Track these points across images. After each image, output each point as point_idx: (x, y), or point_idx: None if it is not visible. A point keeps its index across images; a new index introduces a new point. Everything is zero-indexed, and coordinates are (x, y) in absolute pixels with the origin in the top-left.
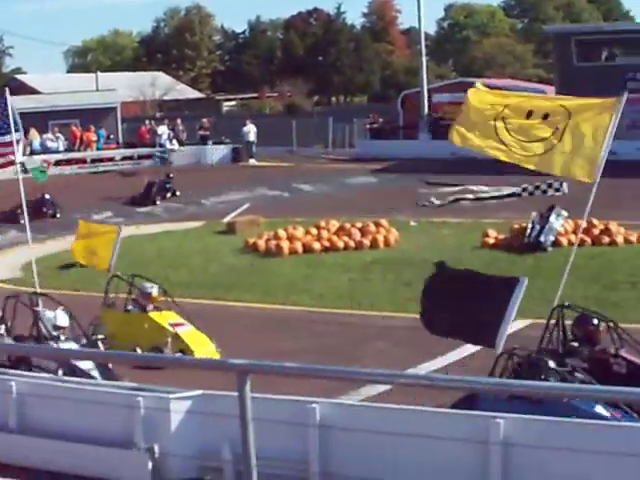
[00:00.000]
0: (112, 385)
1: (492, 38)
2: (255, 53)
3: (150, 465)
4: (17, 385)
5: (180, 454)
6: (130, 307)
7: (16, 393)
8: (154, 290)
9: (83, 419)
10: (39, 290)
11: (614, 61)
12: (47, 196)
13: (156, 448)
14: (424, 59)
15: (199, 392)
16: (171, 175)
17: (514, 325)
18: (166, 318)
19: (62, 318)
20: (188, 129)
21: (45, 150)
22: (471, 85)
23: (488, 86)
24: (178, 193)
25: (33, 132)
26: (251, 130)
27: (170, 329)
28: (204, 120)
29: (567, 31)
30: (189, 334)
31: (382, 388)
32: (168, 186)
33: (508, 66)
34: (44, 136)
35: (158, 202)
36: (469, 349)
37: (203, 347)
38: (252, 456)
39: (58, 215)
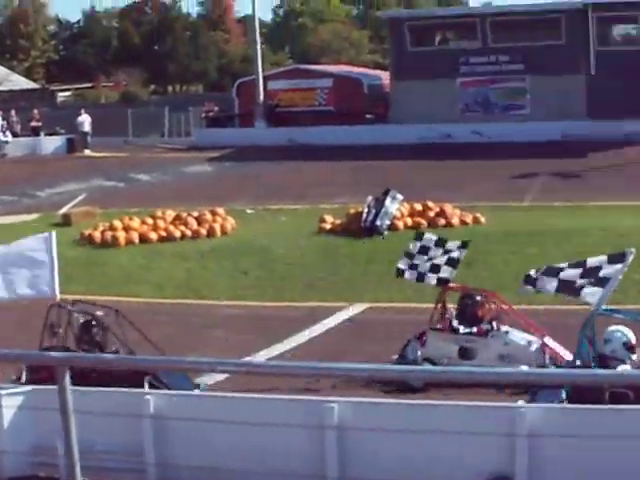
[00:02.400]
0: None
1: (328, 25)
2: (90, 42)
3: None
4: None
5: (13, 451)
6: None
7: None
8: None
9: None
10: None
11: (447, 45)
12: None
13: None
14: (259, 46)
15: (30, 387)
16: None
17: (353, 309)
18: None
19: None
20: (23, 120)
21: None
22: (305, 72)
23: (323, 72)
24: None
25: None
26: (85, 120)
27: None
28: (35, 111)
29: (400, 16)
30: None
31: (220, 377)
32: None
33: (344, 52)
34: None
35: None
36: (308, 334)
37: None
38: (75, 450)
39: None
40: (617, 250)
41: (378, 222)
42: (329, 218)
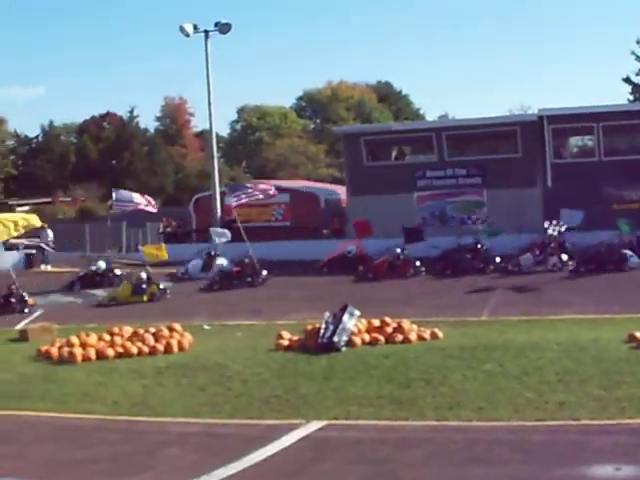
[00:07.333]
0: None
1: (285, 139)
2: (49, 158)
3: None
4: None
5: None
6: None
7: None
8: None
9: None
10: None
11: (403, 160)
12: None
13: None
14: (216, 162)
15: None
16: None
17: (310, 427)
18: None
19: None
20: None
21: None
22: None
23: (280, 187)
24: None
25: None
26: (49, 236)
27: None
28: None
29: (356, 131)
30: None
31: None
32: None
33: (301, 167)
34: None
35: None
36: (264, 452)
37: None
38: None
39: None
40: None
41: (336, 338)
42: (286, 334)
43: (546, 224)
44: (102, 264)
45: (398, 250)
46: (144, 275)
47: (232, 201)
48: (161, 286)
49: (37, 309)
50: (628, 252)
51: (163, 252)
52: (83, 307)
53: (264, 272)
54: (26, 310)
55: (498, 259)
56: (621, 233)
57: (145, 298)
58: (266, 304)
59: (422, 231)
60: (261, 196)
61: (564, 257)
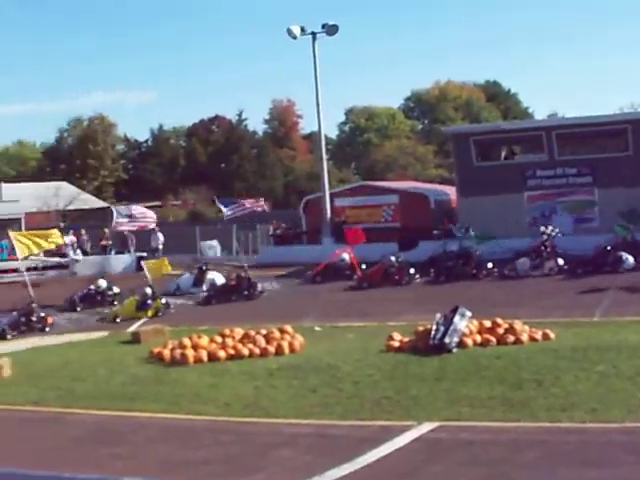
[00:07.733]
0: None
1: (393, 140)
2: (158, 161)
3: None
4: None
5: None
6: None
7: None
8: None
9: None
10: None
11: (513, 159)
12: None
13: None
14: (325, 164)
15: None
16: None
17: (422, 428)
18: None
19: None
20: (93, 239)
21: None
22: (371, 188)
23: (389, 189)
24: None
25: None
26: (159, 238)
27: None
28: (105, 230)
29: (465, 131)
30: None
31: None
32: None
33: (410, 167)
34: None
35: None
36: (377, 453)
37: None
38: None
39: None
40: None
41: (447, 339)
42: (397, 335)
43: (542, 228)
44: (102, 282)
45: (392, 257)
46: (149, 291)
47: (227, 213)
48: (163, 301)
49: None
50: (623, 254)
51: (166, 266)
52: (194, 308)
53: (259, 285)
54: (47, 329)
55: (490, 264)
56: (617, 236)
57: (150, 313)
58: (376, 305)
59: (416, 238)
60: (251, 207)
61: (560, 261)
